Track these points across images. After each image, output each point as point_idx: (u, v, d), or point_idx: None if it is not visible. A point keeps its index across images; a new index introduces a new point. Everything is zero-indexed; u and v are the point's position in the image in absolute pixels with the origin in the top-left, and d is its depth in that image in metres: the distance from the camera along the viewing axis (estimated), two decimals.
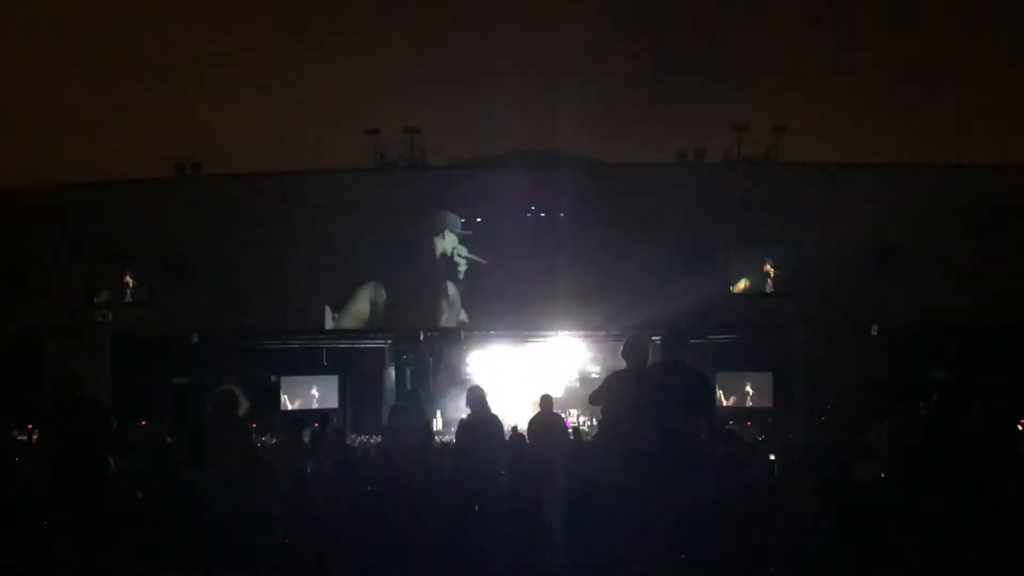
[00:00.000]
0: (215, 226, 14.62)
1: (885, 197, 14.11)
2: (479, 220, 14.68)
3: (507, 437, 10.09)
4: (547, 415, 9.08)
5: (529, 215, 14.55)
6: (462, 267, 14.63)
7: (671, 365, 5.88)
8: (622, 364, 6.02)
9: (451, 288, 14.73)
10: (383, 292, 14.73)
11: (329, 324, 14.90)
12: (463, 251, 14.62)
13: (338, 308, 14.77)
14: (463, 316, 14.83)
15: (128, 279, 14.71)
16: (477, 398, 7.83)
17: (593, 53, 41.51)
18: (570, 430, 13.79)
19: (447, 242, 14.65)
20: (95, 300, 14.65)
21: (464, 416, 7.93)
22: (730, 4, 40.36)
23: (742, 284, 14.25)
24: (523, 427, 15.75)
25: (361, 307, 14.80)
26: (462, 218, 14.67)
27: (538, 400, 9.26)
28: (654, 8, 41.13)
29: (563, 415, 17.49)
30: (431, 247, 14.68)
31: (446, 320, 14.83)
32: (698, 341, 14.99)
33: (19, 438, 10.08)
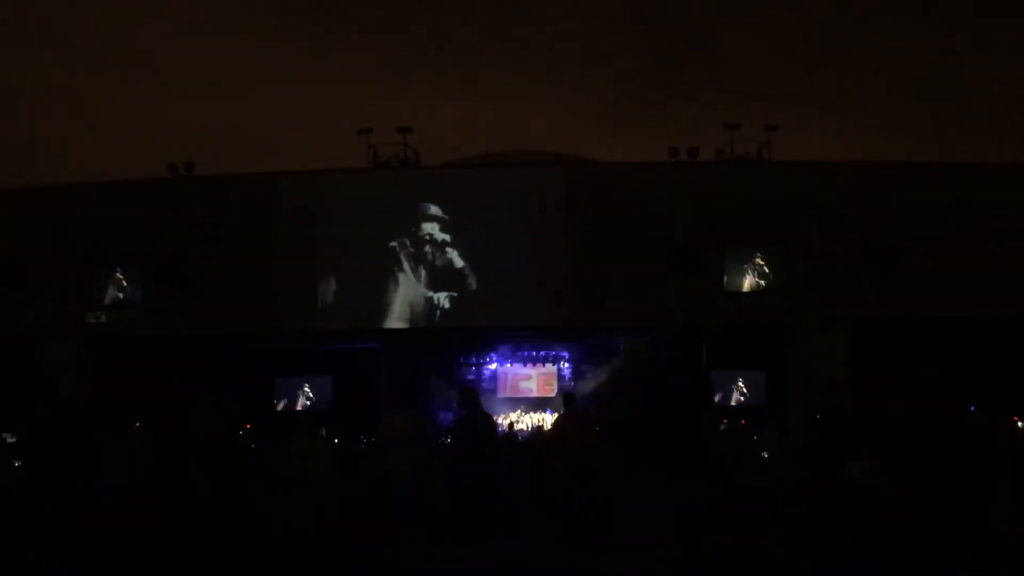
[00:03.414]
0: (208, 227, 14.57)
1: (878, 196, 14.16)
2: (472, 219, 14.65)
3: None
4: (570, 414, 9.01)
5: (523, 215, 14.50)
6: (437, 254, 14.58)
7: (669, 366, 5.91)
8: (615, 364, 6.05)
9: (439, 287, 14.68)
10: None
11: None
12: (445, 237, 14.58)
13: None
14: (455, 314, 14.76)
15: (121, 280, 14.66)
16: (469, 398, 7.84)
17: (586, 53, 41.62)
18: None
19: (427, 229, 14.61)
20: (87, 301, 14.58)
21: (458, 416, 7.94)
22: (724, 4, 40.45)
23: (735, 282, 14.26)
24: (519, 426, 15.77)
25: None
26: (446, 215, 14.62)
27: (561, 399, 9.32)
28: (648, 8, 41.22)
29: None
30: (419, 238, 14.63)
31: (436, 320, 14.76)
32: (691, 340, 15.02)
33: (9, 440, 10.04)
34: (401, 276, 14.66)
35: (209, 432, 7.29)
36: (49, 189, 15.12)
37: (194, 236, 14.54)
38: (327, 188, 14.88)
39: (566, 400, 9.15)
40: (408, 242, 14.65)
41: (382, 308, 14.68)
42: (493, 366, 18.45)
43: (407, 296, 14.68)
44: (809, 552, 5.88)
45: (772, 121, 14.69)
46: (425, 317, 14.69)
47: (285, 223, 14.63)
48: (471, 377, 18.32)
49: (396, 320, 14.73)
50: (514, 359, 18.41)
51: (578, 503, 7.46)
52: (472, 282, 14.60)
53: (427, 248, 14.65)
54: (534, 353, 18.35)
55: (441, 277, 14.65)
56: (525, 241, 14.42)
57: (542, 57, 41.91)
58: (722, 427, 13.47)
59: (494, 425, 8.23)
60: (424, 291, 14.66)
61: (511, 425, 15.66)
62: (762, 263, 14.23)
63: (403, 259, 14.65)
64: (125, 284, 14.64)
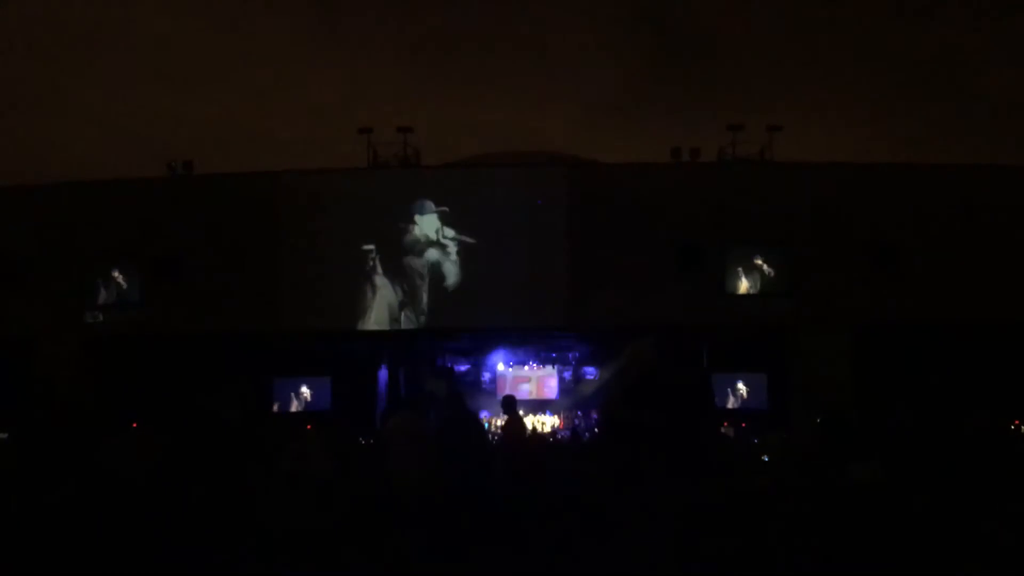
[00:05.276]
0: (207, 226, 14.53)
1: (881, 197, 14.12)
2: (473, 220, 14.59)
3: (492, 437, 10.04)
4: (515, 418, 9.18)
5: (523, 215, 14.45)
6: (452, 248, 14.49)
7: (675, 368, 5.86)
8: (615, 365, 6.03)
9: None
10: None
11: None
12: (450, 232, 14.50)
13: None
14: (455, 315, 14.70)
15: (119, 279, 14.62)
16: (457, 399, 7.92)
17: (588, 53, 41.64)
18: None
19: (425, 227, 14.52)
20: (86, 300, 14.54)
21: (446, 417, 8.00)
22: (726, 4, 40.47)
23: (736, 284, 14.21)
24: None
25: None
26: (446, 215, 14.52)
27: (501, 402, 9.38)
28: (650, 9, 41.25)
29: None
30: (413, 242, 14.55)
31: (435, 321, 14.70)
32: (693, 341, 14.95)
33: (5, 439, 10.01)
34: (402, 276, 14.60)
35: (229, 419, 7.25)
36: (49, 189, 15.07)
37: (193, 235, 14.50)
38: (327, 188, 14.82)
39: (507, 404, 9.14)
40: (408, 242, 14.59)
41: (382, 308, 14.62)
42: (494, 366, 18.41)
43: (407, 296, 14.63)
44: (811, 555, 5.84)
45: (774, 122, 14.69)
46: (425, 317, 14.63)
47: (285, 222, 14.59)
48: (470, 378, 18.29)
49: (396, 321, 14.66)
50: (514, 360, 18.36)
51: (578, 504, 7.42)
52: (472, 283, 14.53)
53: (427, 248, 14.59)
54: (534, 354, 18.31)
55: (441, 278, 14.60)
56: (525, 241, 14.36)
57: (543, 57, 41.94)
58: (723, 430, 13.44)
59: (479, 425, 8.32)
60: (424, 292, 14.60)
61: (505, 427, 15.62)
62: (764, 265, 14.18)
63: (403, 259, 14.58)
64: (124, 283, 14.60)
